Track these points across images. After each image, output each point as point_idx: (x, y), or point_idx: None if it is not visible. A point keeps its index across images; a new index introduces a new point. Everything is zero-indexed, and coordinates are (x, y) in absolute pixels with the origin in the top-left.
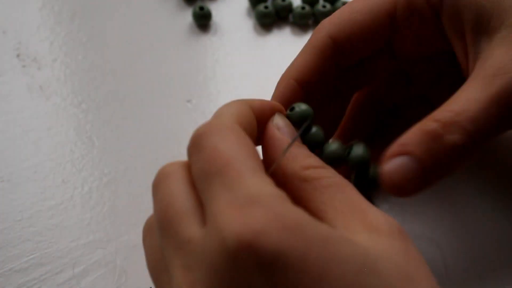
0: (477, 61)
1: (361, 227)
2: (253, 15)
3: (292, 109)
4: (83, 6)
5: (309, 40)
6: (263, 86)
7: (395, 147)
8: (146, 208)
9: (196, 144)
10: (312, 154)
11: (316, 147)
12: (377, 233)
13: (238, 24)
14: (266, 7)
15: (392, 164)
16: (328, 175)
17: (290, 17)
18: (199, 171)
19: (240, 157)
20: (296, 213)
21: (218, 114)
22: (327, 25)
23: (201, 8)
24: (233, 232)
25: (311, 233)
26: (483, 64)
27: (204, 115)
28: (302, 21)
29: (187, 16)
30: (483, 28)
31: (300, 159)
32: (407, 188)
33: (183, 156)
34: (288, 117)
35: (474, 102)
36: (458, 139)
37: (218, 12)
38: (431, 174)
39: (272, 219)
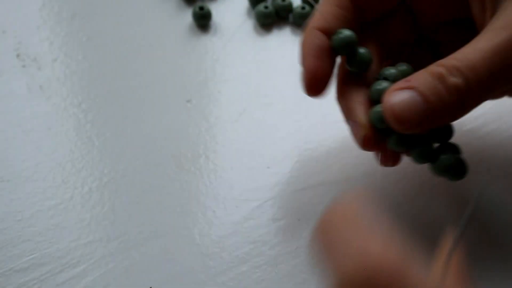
0: (493, 16)
1: None
2: (253, 15)
3: (335, 34)
4: (83, 6)
5: None
6: (263, 86)
7: (401, 83)
8: (146, 208)
9: None
10: None
11: (364, 68)
12: None
13: (238, 24)
14: (266, 7)
15: (397, 96)
16: None
17: (290, 17)
18: None
19: None
20: None
21: None
22: None
23: (201, 8)
24: None
25: None
26: (496, 18)
27: (204, 115)
28: (302, 21)
29: (187, 16)
30: None
31: None
32: (409, 119)
33: (184, 157)
34: (331, 42)
35: (478, 51)
36: (459, 82)
37: (218, 12)
38: (433, 111)
39: None
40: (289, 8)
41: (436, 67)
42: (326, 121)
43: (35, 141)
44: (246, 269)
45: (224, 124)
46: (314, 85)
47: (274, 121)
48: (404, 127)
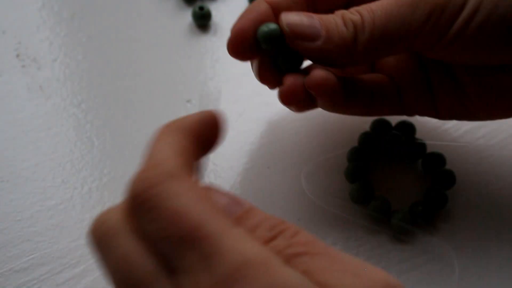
0: None
1: None
2: None
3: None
4: (83, 6)
5: None
6: (263, 86)
7: (301, 12)
8: None
9: (142, 203)
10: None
11: (293, 69)
12: None
13: None
14: None
15: (296, 16)
16: (314, 245)
17: None
18: (159, 235)
19: (207, 215)
20: (291, 277)
21: (151, 157)
22: None
23: (201, 8)
24: None
25: None
26: None
27: None
28: None
29: (187, 16)
30: None
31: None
32: (305, 33)
33: None
34: (256, 37)
35: (381, 1)
36: (355, 18)
37: (218, 12)
38: (328, 37)
39: None
40: None
41: (338, 11)
42: (325, 121)
43: (35, 141)
44: None
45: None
46: (236, 45)
47: (274, 121)
48: (298, 38)
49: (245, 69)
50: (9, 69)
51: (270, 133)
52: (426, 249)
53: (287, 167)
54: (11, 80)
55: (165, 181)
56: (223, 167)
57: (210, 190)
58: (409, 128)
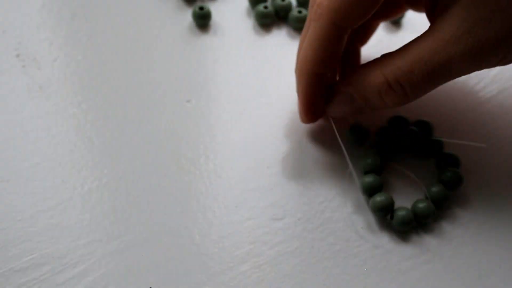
0: (440, 16)
1: None
2: (253, 15)
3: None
4: (83, 6)
5: (315, 31)
6: (263, 86)
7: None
8: (146, 208)
9: None
10: None
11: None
12: None
13: (237, 24)
14: (265, 7)
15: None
16: None
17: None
18: None
19: None
20: None
21: None
22: (329, 12)
23: (201, 8)
24: None
25: None
26: (440, 25)
27: (204, 115)
28: (299, 25)
29: (186, 16)
30: None
31: None
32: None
33: (184, 157)
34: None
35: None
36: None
37: (218, 12)
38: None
39: None
40: (288, 8)
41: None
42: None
43: (35, 141)
44: (246, 269)
45: (224, 124)
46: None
47: (274, 121)
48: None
49: (245, 69)
50: (9, 69)
51: (270, 133)
52: (427, 249)
53: (287, 167)
54: (11, 80)
55: None
56: (223, 167)
57: None
58: (427, 126)
